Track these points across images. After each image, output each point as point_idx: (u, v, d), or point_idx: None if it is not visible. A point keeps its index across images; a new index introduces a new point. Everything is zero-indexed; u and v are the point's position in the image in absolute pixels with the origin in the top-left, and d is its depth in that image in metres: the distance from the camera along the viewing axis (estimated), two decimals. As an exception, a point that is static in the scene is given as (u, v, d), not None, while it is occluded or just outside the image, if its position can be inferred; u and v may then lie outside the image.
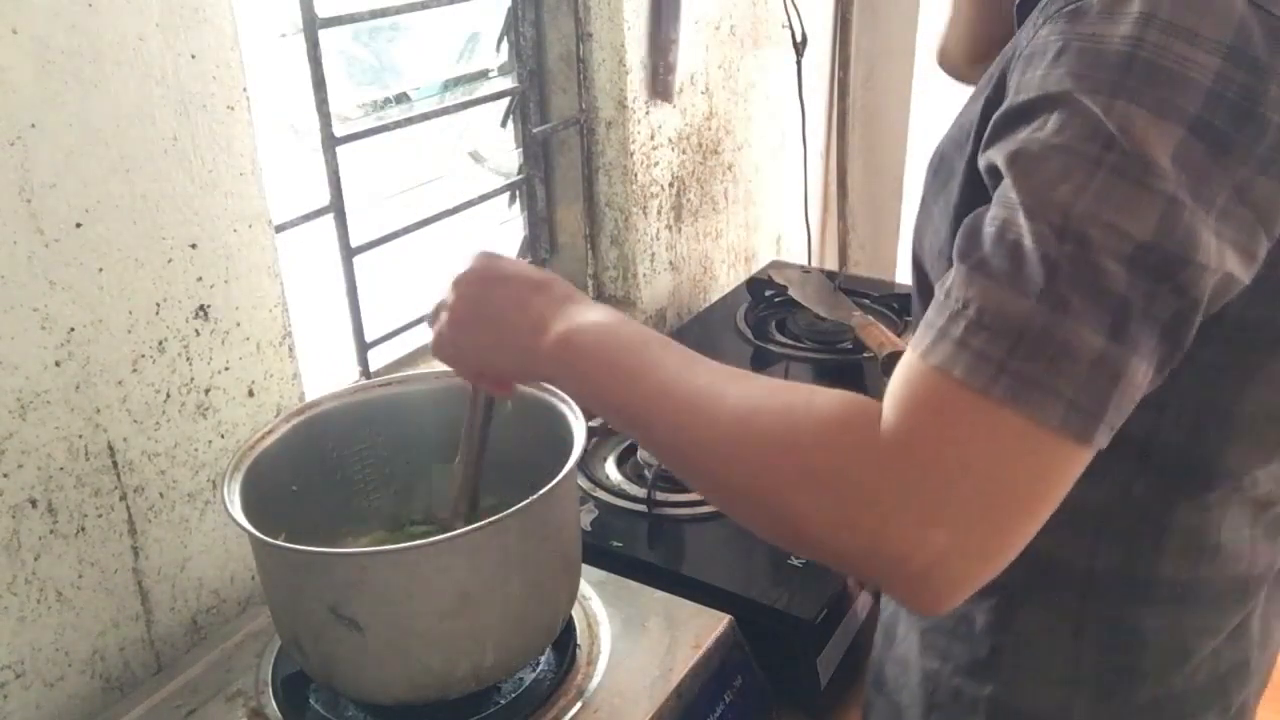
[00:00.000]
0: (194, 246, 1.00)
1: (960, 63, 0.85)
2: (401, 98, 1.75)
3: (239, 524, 0.82)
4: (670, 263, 1.78)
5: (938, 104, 2.28)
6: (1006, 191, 0.52)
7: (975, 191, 0.58)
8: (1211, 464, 0.64)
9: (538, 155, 1.63)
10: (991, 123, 0.56)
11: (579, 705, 0.92)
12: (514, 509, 0.82)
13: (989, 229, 0.52)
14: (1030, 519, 0.51)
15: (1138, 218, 0.49)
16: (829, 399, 0.54)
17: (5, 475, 0.89)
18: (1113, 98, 0.50)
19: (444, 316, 0.75)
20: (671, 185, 1.73)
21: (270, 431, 0.95)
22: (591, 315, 0.68)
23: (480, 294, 0.74)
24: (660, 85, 1.62)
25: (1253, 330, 0.58)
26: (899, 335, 1.53)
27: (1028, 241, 0.50)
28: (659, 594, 1.05)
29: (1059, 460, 0.50)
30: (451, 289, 0.75)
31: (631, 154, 1.61)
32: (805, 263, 2.05)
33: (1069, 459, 0.50)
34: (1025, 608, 0.70)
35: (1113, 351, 0.49)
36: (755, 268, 1.98)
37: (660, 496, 1.24)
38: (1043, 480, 0.50)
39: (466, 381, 0.84)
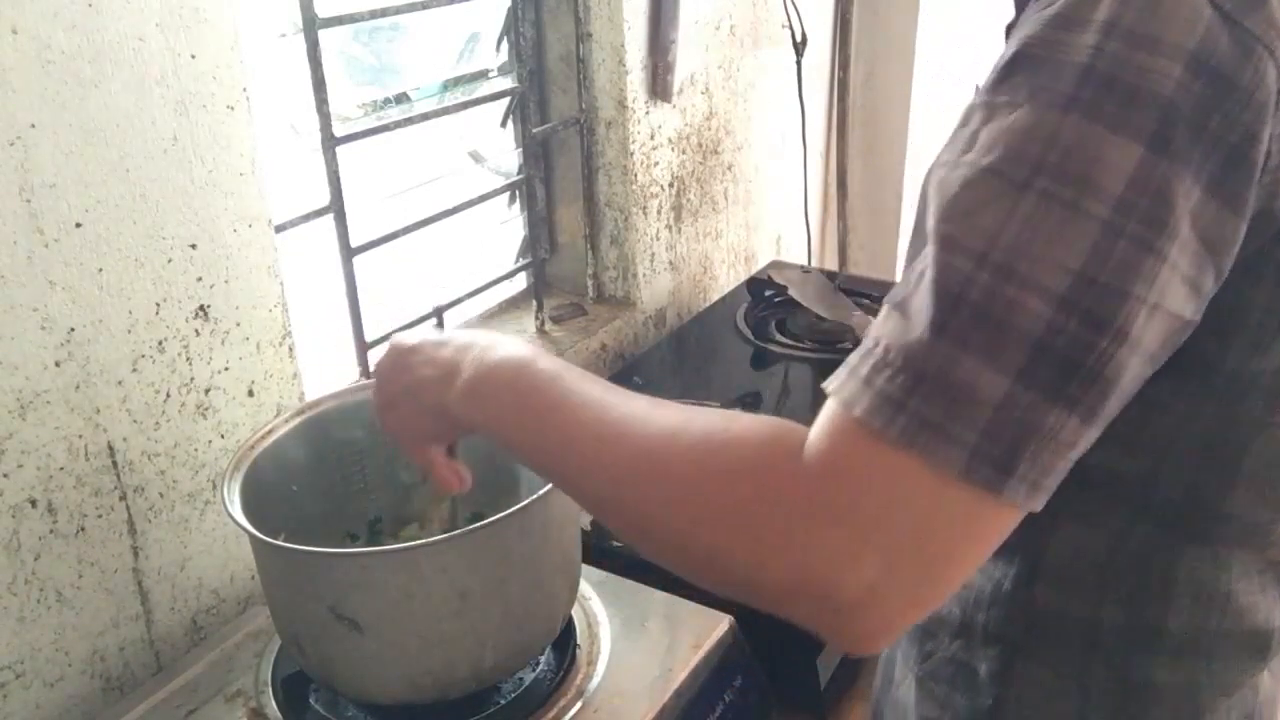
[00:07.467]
0: (194, 246, 1.00)
1: None
2: (401, 98, 1.74)
3: (239, 524, 0.82)
4: (670, 263, 1.78)
5: (938, 104, 2.29)
6: (928, 220, 0.48)
7: None
8: (1214, 513, 0.59)
9: (538, 155, 1.63)
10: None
11: (579, 705, 0.92)
12: (514, 509, 0.82)
13: (914, 268, 0.49)
14: (954, 566, 0.48)
15: (1070, 246, 0.44)
16: (749, 426, 0.51)
17: (5, 475, 0.89)
18: (1065, 113, 0.45)
19: (376, 405, 0.78)
20: (671, 185, 1.73)
21: (270, 431, 0.95)
22: (501, 354, 0.67)
23: (393, 369, 0.76)
24: (660, 85, 1.62)
25: (1253, 384, 0.54)
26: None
27: (933, 272, 0.46)
28: (659, 594, 1.05)
29: (971, 513, 0.46)
30: (375, 378, 0.78)
31: (631, 154, 1.61)
32: (805, 263, 2.05)
33: (982, 513, 0.46)
34: (1029, 660, 0.66)
35: (1022, 397, 0.44)
36: (755, 268, 1.98)
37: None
38: (958, 530, 0.46)
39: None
